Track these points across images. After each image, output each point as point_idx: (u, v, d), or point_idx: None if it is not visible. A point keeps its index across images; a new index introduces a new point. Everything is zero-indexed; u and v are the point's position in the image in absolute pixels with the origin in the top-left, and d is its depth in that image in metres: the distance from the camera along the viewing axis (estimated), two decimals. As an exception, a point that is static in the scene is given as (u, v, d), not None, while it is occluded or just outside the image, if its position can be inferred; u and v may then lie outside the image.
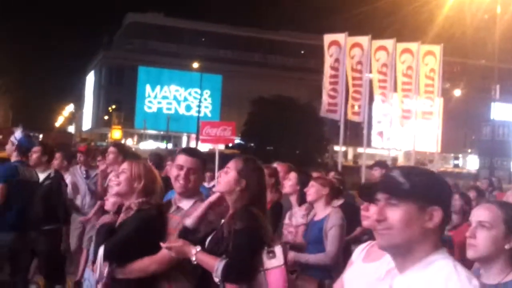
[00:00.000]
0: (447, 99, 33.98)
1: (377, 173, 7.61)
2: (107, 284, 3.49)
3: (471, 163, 55.68)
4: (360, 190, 2.27)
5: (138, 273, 3.49)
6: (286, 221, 5.34)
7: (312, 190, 4.99)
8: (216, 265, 3.19)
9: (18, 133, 6.52)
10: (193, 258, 3.30)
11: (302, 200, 5.30)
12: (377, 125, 19.06)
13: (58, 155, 7.24)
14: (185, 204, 3.64)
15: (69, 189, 7.02)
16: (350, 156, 66.23)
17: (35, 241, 6.41)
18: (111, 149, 6.95)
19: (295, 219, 5.12)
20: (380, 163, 8.30)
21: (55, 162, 7.25)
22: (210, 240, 3.37)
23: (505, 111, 35.05)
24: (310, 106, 44.93)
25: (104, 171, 7.20)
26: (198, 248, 3.31)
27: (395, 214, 1.94)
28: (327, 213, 4.87)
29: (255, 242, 3.23)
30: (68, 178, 7.06)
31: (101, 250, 3.47)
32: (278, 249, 3.26)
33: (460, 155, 71.87)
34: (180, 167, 3.68)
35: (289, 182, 5.41)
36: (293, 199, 5.37)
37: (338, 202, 5.74)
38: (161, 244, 3.38)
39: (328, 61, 15.86)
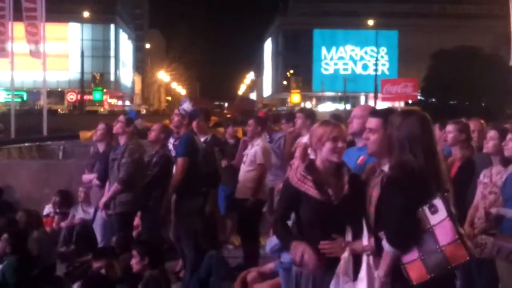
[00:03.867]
0: None
1: None
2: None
3: None
4: None
5: None
6: (485, 180, 5.02)
7: (510, 144, 4.63)
8: (384, 247, 3.15)
9: (186, 105, 6.81)
10: (346, 254, 3.33)
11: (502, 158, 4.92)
12: None
13: (251, 121, 7.44)
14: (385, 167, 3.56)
15: (258, 153, 7.23)
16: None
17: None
18: (299, 114, 7.02)
19: (500, 178, 4.78)
20: None
21: (248, 129, 7.50)
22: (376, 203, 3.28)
23: None
24: (496, 55, 41.98)
25: (292, 134, 7.33)
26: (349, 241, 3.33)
27: None
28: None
29: (408, 198, 3.09)
30: (260, 144, 7.28)
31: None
32: (438, 202, 3.09)
33: None
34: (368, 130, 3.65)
35: (492, 142, 5.02)
36: (496, 159, 5.01)
37: None
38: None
39: (512, 2, 14.61)
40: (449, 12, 71.71)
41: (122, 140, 6.72)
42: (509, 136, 4.72)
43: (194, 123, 7.10)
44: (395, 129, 3.26)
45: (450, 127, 5.42)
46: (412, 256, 3.12)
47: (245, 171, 7.21)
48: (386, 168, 3.37)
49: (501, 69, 37.78)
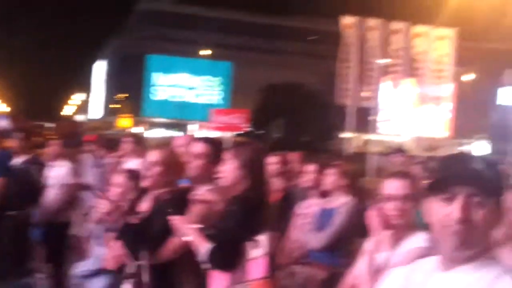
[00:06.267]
0: (458, 84, 33.61)
1: (397, 159, 7.51)
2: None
3: (480, 148, 55.21)
4: (435, 183, 1.85)
5: (169, 255, 3.48)
6: (301, 211, 5.22)
7: (330, 179, 4.85)
8: (203, 248, 3.11)
9: (3, 122, 6.50)
10: (187, 237, 3.23)
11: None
12: (385, 111, 18.89)
13: (50, 148, 7.19)
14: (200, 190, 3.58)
15: (62, 175, 6.95)
16: (358, 143, 65.94)
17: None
18: (127, 139, 6.88)
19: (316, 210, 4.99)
20: (400, 150, 8.21)
21: (52, 153, 7.18)
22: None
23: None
24: (319, 92, 44.79)
25: (115, 159, 7.16)
26: (196, 225, 3.22)
27: (481, 215, 1.78)
28: (343, 202, 4.75)
29: (241, 228, 3.14)
30: (62, 166, 7.01)
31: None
32: (263, 238, 3.16)
33: (469, 141, 71.15)
34: (193, 155, 3.65)
35: (308, 175, 5.24)
36: (313, 193, 5.23)
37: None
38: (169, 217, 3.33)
39: (342, 44, 15.73)
40: (278, 48, 75.26)
41: None
42: (327, 171, 4.94)
43: (13, 142, 6.67)
44: (237, 160, 3.28)
45: (271, 159, 5.59)
46: (222, 284, 3.15)
47: (53, 194, 6.94)
48: (203, 192, 3.41)
49: (324, 106, 40.38)
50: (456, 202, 1.77)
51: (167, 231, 3.40)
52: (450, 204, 1.78)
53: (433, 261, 1.93)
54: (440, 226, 1.81)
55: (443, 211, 1.80)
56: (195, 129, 72.89)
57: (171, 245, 3.46)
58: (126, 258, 3.52)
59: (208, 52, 59.52)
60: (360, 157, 17.17)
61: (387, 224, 2.89)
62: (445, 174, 1.82)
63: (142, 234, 3.51)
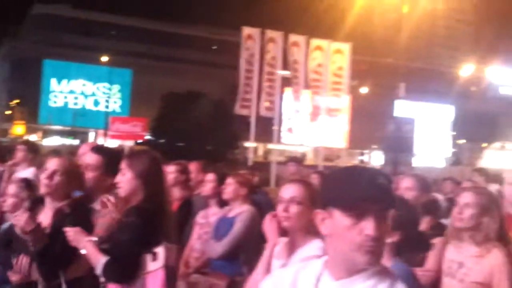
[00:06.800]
0: (354, 96, 34.88)
1: (292, 168, 7.68)
2: None
3: (376, 159, 57.55)
4: (341, 197, 1.81)
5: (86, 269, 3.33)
6: (201, 220, 5.21)
7: (230, 188, 4.90)
8: (99, 262, 3.05)
9: None
10: (83, 250, 3.14)
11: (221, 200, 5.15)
12: (287, 121, 19.27)
13: None
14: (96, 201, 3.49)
15: None
16: (260, 152, 66.80)
17: None
18: (20, 147, 6.59)
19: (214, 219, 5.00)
20: (295, 159, 8.40)
21: None
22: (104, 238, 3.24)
23: (409, 109, 36.64)
24: (222, 102, 44.98)
25: (10, 168, 6.85)
26: (93, 238, 3.15)
27: (385, 228, 1.79)
28: (242, 211, 4.81)
29: (138, 240, 3.09)
30: None
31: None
32: (161, 250, 3.11)
33: (366, 151, 73.97)
34: (85, 166, 3.56)
35: (208, 185, 5.25)
36: (213, 201, 5.24)
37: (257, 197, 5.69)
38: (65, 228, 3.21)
39: (243, 55, 15.88)
40: (181, 57, 74.93)
41: None
42: (228, 180, 4.97)
43: None
44: (132, 170, 3.21)
45: (170, 168, 5.55)
46: None
47: None
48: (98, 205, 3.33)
49: (225, 115, 40.54)
50: (368, 221, 1.76)
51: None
52: (360, 220, 1.77)
53: (319, 267, 1.91)
54: (353, 244, 1.78)
55: (354, 229, 1.77)
56: (92, 137, 71.04)
57: (86, 259, 3.32)
58: (35, 274, 3.34)
59: (107, 58, 58.21)
60: (262, 166, 17.39)
61: (281, 230, 2.93)
62: (353, 190, 1.78)
63: (50, 251, 3.31)
